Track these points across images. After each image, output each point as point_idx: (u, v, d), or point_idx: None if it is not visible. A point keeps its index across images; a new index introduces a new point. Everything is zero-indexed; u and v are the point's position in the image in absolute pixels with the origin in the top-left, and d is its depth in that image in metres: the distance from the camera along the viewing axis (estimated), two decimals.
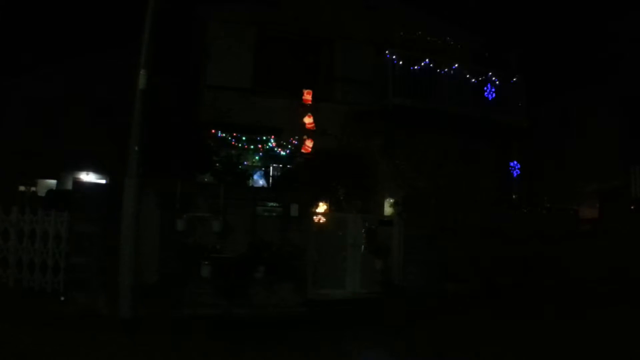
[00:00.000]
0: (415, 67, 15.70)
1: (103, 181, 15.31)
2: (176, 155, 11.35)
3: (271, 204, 11.20)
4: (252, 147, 13.92)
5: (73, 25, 22.10)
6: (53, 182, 21.38)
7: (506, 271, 12.59)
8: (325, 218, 12.02)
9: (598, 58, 19.22)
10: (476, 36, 18.10)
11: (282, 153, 14.25)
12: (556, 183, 16.75)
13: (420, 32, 16.70)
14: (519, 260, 12.81)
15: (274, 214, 11.16)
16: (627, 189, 17.69)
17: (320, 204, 12.88)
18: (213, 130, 13.54)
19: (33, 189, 20.87)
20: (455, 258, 12.27)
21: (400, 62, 15.50)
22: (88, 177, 19.90)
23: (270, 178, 14.93)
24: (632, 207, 17.18)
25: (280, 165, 15.17)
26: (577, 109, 19.70)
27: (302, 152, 14.45)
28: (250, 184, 13.18)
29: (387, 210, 14.09)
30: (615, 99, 18.86)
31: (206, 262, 10.02)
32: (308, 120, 15.13)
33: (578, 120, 19.51)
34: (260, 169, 14.88)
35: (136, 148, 9.56)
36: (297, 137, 14.34)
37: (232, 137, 13.67)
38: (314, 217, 11.83)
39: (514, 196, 16.62)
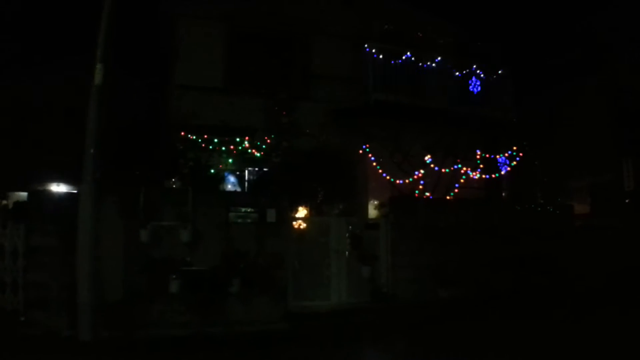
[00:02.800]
0: (397, 61, 14.86)
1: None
2: (141, 159, 10.36)
3: (246, 209, 10.25)
4: (224, 148, 12.90)
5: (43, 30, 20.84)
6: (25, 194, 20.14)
7: (502, 273, 11.77)
8: (305, 223, 11.08)
9: (587, 49, 18.56)
10: (459, 28, 17.33)
11: (257, 154, 13.26)
12: (547, 178, 15.98)
13: (400, 25, 15.91)
14: (515, 261, 12.00)
15: (249, 221, 10.23)
16: (619, 182, 17.04)
17: (300, 208, 11.99)
18: (183, 133, 12.51)
19: (4, 202, 19.73)
20: (447, 261, 11.45)
21: (381, 56, 14.67)
22: (59, 187, 18.79)
23: (246, 182, 13.94)
24: (627, 201, 16.55)
25: (257, 169, 14.19)
26: (566, 102, 18.98)
27: (279, 154, 13.46)
28: (223, 189, 12.17)
29: (372, 212, 13.21)
30: (605, 90, 18.20)
31: (175, 277, 9.09)
32: (284, 118, 14.17)
33: (567, 113, 18.79)
34: (235, 173, 13.89)
35: (92, 150, 8.61)
36: (273, 138, 13.37)
37: (203, 139, 12.65)
38: (294, 223, 10.91)
39: (503, 193, 15.86)
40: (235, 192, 12.73)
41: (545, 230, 12.76)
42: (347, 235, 11.04)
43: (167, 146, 11.03)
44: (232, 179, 13.58)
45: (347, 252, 11.01)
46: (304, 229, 10.96)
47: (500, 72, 16.24)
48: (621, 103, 17.77)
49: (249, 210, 10.21)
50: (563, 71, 18.96)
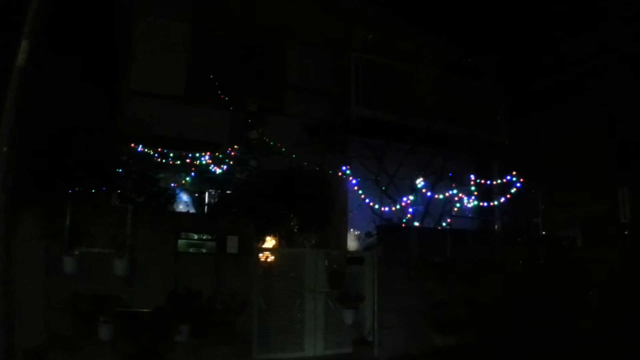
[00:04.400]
0: (383, 75, 13.22)
1: None
2: (71, 167, 8.38)
3: (201, 236, 8.27)
4: (178, 162, 10.95)
5: None
6: None
7: (505, 316, 10.08)
8: (274, 255, 9.15)
9: (579, 72, 17.22)
10: (449, 43, 15.84)
11: (218, 171, 11.35)
12: (540, 207, 14.36)
13: (386, 36, 14.33)
14: (519, 302, 10.36)
15: (205, 251, 8.29)
16: (614, 212, 15.49)
17: (269, 237, 10.26)
18: (133, 144, 10.56)
19: None
20: (444, 303, 9.67)
21: (365, 68, 12.99)
22: None
23: (206, 207, 11.96)
24: (627, 233, 15.01)
25: (219, 191, 12.24)
26: (558, 127, 17.56)
27: (244, 171, 11.58)
28: (173, 209, 10.14)
29: (351, 244, 11.35)
30: (598, 115, 16.82)
31: (105, 319, 7.06)
32: (253, 134, 12.30)
33: (558, 139, 17.36)
34: (194, 195, 11.93)
35: (5, 149, 6.71)
36: (238, 153, 11.52)
37: (157, 152, 10.69)
38: (260, 255, 8.98)
39: (496, 225, 14.18)
40: (187, 213, 10.70)
41: (549, 266, 11.23)
42: (325, 270, 9.12)
43: (107, 156, 9.02)
44: (185, 197, 11.59)
45: (325, 292, 9.08)
46: (272, 263, 9.04)
47: (493, 90, 14.93)
48: (616, 128, 16.37)
49: (204, 237, 8.25)
50: (555, 93, 17.58)
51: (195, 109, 12.19)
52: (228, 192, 11.42)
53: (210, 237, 8.22)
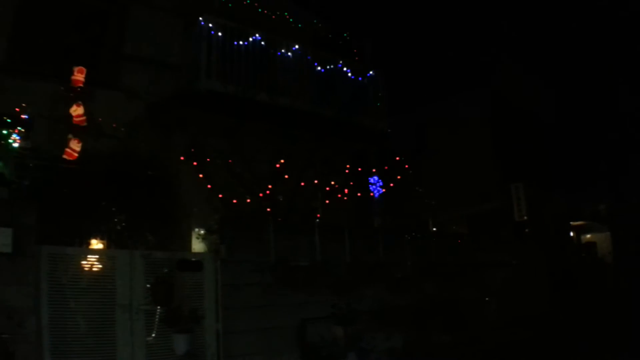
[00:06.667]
0: (241, 43, 11.00)
1: None
2: None
3: None
4: None
5: None
6: None
7: (394, 331, 8.43)
8: (74, 259, 6.55)
9: (470, 65, 16.40)
10: (324, 19, 14.13)
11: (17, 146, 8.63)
12: (427, 205, 12.82)
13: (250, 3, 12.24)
14: (410, 312, 8.76)
15: None
16: (508, 210, 14.32)
17: (94, 239, 7.91)
18: None
19: None
20: (312, 320, 7.59)
21: (220, 34, 10.73)
22: None
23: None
24: (526, 230, 13.89)
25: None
26: (447, 121, 16.34)
27: (65, 158, 8.98)
28: None
29: (197, 245, 8.94)
30: (489, 109, 15.81)
31: None
32: (77, 111, 9.65)
33: (448, 134, 16.13)
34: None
35: None
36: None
37: None
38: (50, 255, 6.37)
39: (375, 224, 12.33)
40: None
41: (443, 268, 9.71)
42: (146, 280, 6.66)
43: None
44: None
45: (146, 309, 6.62)
46: (70, 268, 6.44)
47: (371, 73, 13.13)
48: (507, 124, 15.40)
49: None
50: (443, 86, 16.54)
51: (10, 80, 9.44)
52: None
53: None
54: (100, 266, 6.74)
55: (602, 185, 19.46)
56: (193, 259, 7.23)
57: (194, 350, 6.77)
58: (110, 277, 6.59)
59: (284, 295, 7.63)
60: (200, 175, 9.51)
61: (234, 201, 9.31)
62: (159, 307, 6.60)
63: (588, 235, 18.74)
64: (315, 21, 13.80)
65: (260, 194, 9.36)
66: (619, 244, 17.51)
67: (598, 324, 11.23)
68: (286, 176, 9.66)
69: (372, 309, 8.41)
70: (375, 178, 12.07)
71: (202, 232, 8.46)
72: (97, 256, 6.88)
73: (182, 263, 7.01)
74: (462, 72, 16.59)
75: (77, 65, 9.97)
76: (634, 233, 16.92)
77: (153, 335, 6.61)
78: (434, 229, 12.13)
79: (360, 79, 12.84)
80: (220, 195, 9.30)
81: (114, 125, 9.60)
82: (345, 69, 12.60)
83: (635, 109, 19.27)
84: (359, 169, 11.18)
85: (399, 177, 11.17)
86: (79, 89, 9.81)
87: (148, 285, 6.61)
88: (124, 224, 8.24)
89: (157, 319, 6.60)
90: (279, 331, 7.51)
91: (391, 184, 11.13)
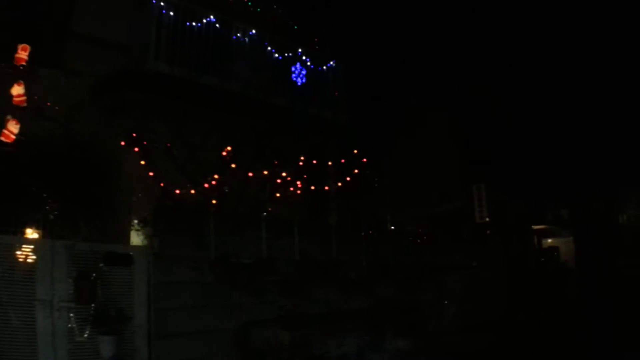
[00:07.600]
0: (194, 24, 10.34)
1: None
2: None
3: None
4: None
5: None
6: None
7: (347, 337, 7.77)
8: None
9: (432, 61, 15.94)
10: (282, 5, 13.47)
11: None
12: (385, 202, 12.35)
13: None
14: (364, 315, 8.22)
15: None
16: (470, 212, 13.93)
17: (29, 228, 7.14)
18: None
19: None
20: (260, 323, 6.90)
21: (171, 14, 10.04)
22: None
23: None
24: (488, 232, 13.50)
25: None
26: (406, 119, 15.86)
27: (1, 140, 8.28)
28: None
29: (136, 239, 8.20)
30: (452, 107, 15.38)
31: None
32: (17, 90, 8.88)
33: (409, 132, 15.65)
34: None
35: None
36: None
37: None
38: None
39: (330, 220, 11.76)
40: None
41: (401, 269, 9.17)
42: (68, 274, 5.92)
43: None
44: None
45: (67, 307, 5.87)
46: None
47: (332, 63, 12.61)
48: (470, 124, 15.00)
49: None
50: (405, 84, 16.07)
51: None
52: None
53: None
54: (22, 257, 6.02)
55: (564, 190, 19.43)
56: (120, 253, 6.52)
57: (122, 354, 6.06)
58: (30, 270, 5.85)
59: (225, 295, 7.01)
60: (142, 162, 8.78)
61: (177, 192, 8.61)
62: (82, 304, 5.89)
63: (550, 240, 18.54)
64: (275, 7, 13.23)
65: (206, 185, 8.64)
66: (581, 248, 17.36)
67: (557, 330, 10.96)
68: (233, 165, 8.95)
69: (323, 311, 7.90)
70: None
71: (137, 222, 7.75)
72: (16, 245, 6.12)
73: (110, 256, 6.29)
74: (426, 70, 16.04)
75: (21, 42, 9.34)
76: (596, 238, 16.83)
77: (80, 336, 5.92)
78: (392, 227, 11.55)
79: (320, 68, 12.38)
80: (162, 184, 8.59)
81: (56, 108, 8.88)
82: (304, 57, 12.09)
83: (600, 112, 19.27)
84: (314, 162, 10.54)
85: (356, 170, 10.51)
86: (21, 67, 9.17)
87: (70, 280, 5.87)
88: (56, 212, 7.53)
89: (76, 318, 5.88)
90: (219, 335, 6.89)
91: (347, 178, 10.50)
